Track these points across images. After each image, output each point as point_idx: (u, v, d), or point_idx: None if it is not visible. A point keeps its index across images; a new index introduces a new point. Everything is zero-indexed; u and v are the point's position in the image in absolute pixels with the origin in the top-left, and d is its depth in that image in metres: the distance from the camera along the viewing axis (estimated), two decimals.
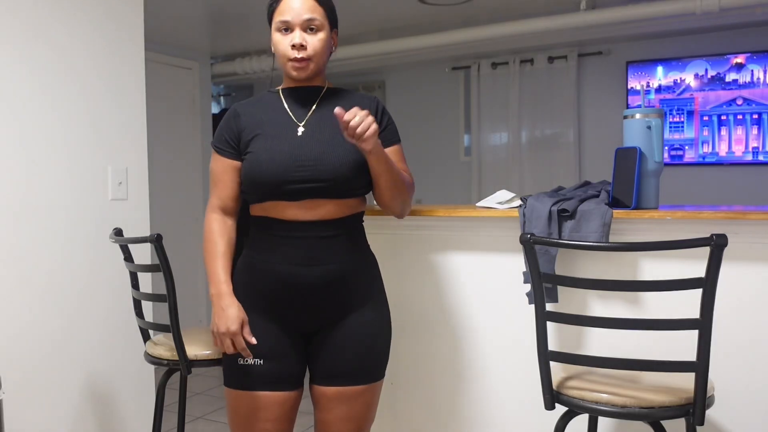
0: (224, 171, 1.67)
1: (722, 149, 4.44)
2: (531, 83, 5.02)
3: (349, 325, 1.64)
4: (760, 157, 4.34)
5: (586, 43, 4.79)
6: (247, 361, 1.61)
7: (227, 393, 1.66)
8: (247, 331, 1.60)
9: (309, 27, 1.59)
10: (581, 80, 4.92)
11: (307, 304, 1.62)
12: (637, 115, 1.94)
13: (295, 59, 1.59)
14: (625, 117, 1.97)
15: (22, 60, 2.22)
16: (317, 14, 1.60)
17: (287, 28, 1.60)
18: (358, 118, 1.45)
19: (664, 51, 4.61)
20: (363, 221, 1.74)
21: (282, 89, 1.72)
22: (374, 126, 1.46)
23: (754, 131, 4.33)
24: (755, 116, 4.31)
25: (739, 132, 4.37)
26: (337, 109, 1.44)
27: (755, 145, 4.34)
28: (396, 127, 1.76)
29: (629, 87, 4.70)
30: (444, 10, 4.23)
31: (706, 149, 4.49)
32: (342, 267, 1.62)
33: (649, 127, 1.91)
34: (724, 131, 4.42)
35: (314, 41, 1.60)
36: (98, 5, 2.45)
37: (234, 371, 1.63)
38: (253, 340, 1.59)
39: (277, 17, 1.61)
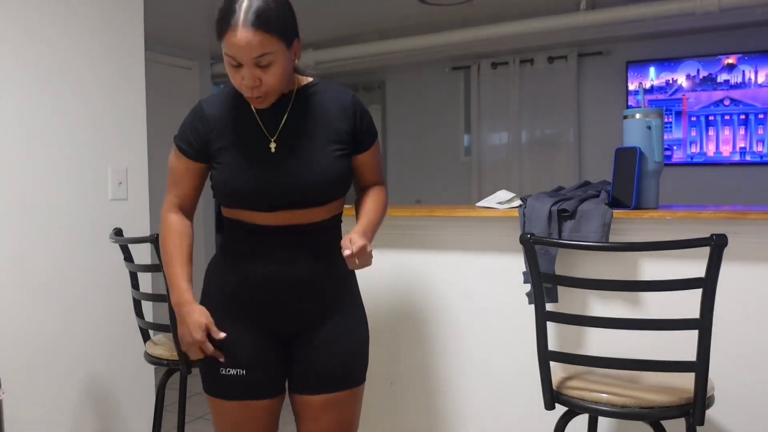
0: (186, 171, 1.56)
1: (710, 149, 4.46)
2: (531, 83, 5.02)
3: (329, 329, 1.56)
4: (748, 157, 4.35)
5: (586, 43, 4.79)
6: (229, 371, 1.52)
7: (210, 401, 1.57)
8: (214, 330, 1.50)
9: (260, 64, 1.36)
10: (581, 80, 4.91)
11: (285, 306, 1.54)
12: (637, 115, 1.94)
13: (252, 97, 1.43)
14: (625, 117, 1.97)
15: (21, 60, 2.22)
16: (267, 47, 1.34)
17: (236, 64, 1.38)
18: (356, 250, 1.40)
19: (664, 51, 4.62)
20: (341, 221, 1.64)
21: None
22: (369, 256, 1.44)
23: (741, 131, 4.35)
24: (742, 117, 4.33)
25: (727, 132, 4.39)
26: (345, 252, 1.40)
27: (742, 145, 4.36)
28: (373, 121, 1.61)
29: (629, 87, 4.70)
30: (444, 10, 4.23)
31: (694, 149, 4.51)
32: (319, 268, 1.55)
33: (649, 127, 1.91)
34: (711, 131, 4.44)
35: (268, 77, 1.38)
36: (98, 6, 2.45)
37: (215, 380, 1.54)
38: (222, 335, 1.50)
39: (224, 47, 1.38)
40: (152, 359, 2.07)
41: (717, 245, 1.38)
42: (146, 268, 2.12)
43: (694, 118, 4.48)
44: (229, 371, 1.52)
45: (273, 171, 1.48)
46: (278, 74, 1.40)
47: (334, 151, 1.50)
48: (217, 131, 1.51)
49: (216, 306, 1.54)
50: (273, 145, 1.49)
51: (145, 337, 2.17)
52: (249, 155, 1.49)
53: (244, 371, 1.52)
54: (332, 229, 1.59)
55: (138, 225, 2.57)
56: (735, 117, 4.36)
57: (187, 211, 1.60)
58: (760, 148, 4.32)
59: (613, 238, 1.86)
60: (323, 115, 1.53)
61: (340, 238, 1.55)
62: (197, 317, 1.50)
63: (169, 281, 1.55)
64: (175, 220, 1.57)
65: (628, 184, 1.89)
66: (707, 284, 1.40)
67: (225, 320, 1.53)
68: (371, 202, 1.62)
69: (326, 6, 4.15)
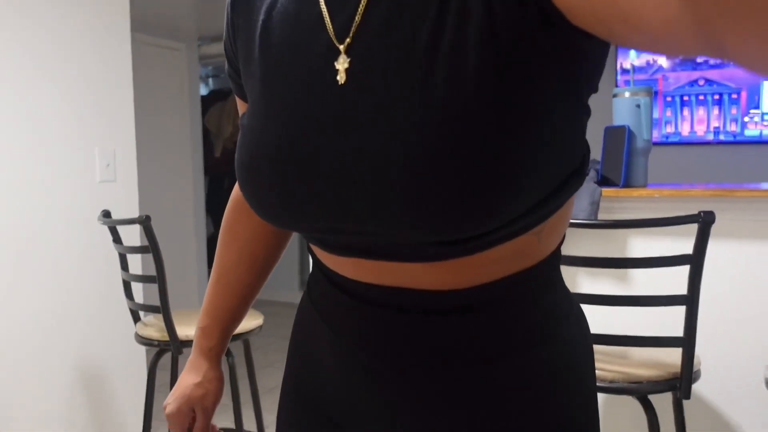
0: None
1: (684, 129, 4.50)
2: None
3: None
4: (722, 137, 4.40)
5: None
6: None
7: None
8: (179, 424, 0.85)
9: None
10: None
11: None
12: (627, 94, 1.94)
13: None
14: (615, 96, 1.97)
15: (6, 41, 2.19)
16: None
17: None
18: None
19: None
20: (559, 261, 0.70)
21: None
22: None
23: (716, 111, 4.39)
24: (716, 97, 4.37)
25: (701, 112, 4.43)
26: None
27: (716, 125, 4.40)
28: None
29: (619, 66, 4.71)
30: None
31: (669, 129, 4.55)
32: (490, 377, 0.64)
33: (638, 106, 1.91)
34: (686, 112, 4.48)
35: None
36: None
37: None
38: None
39: None
40: (143, 340, 2.07)
41: (704, 222, 1.39)
42: (135, 250, 2.11)
43: (669, 99, 4.52)
44: None
45: (337, 140, 0.57)
46: None
47: None
48: (244, 31, 0.66)
49: (293, 394, 0.77)
50: (342, 65, 0.56)
51: (136, 319, 2.17)
52: (291, 94, 0.60)
53: None
54: (531, 290, 0.68)
55: (127, 206, 2.56)
56: (709, 97, 4.40)
57: None
58: (733, 128, 4.36)
59: (602, 215, 1.87)
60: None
61: (557, 307, 0.73)
62: (185, 389, 0.85)
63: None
64: (232, 211, 0.87)
65: (617, 162, 1.90)
66: (695, 261, 1.41)
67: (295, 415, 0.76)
68: None
69: None
